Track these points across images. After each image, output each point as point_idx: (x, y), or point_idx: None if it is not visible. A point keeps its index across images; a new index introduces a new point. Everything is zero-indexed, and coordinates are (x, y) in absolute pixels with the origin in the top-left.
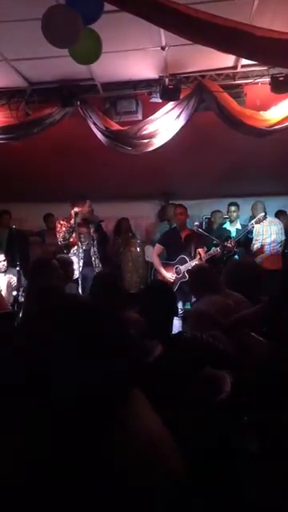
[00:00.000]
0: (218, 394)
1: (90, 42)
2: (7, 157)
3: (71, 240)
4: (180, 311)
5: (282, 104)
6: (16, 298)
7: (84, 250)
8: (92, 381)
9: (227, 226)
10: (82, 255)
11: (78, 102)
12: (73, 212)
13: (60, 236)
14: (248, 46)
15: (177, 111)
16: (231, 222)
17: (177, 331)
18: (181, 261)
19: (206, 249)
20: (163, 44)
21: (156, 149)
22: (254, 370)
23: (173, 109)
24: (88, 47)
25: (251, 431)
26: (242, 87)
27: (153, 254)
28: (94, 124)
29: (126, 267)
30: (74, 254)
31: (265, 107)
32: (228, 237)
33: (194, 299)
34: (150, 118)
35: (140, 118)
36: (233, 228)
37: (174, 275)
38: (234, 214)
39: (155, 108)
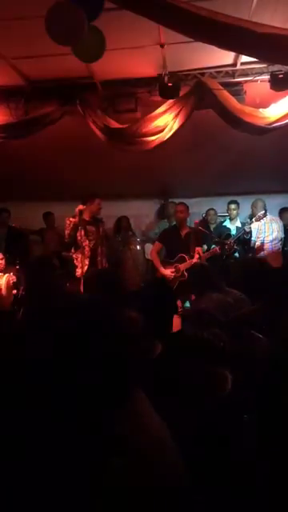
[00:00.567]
0: (218, 393)
1: (94, 39)
2: (6, 155)
3: (78, 238)
4: (180, 309)
5: (282, 101)
6: (16, 296)
7: (91, 249)
8: (92, 380)
9: (227, 223)
10: (87, 254)
11: (78, 101)
12: (77, 209)
13: (66, 233)
14: (249, 43)
15: (176, 109)
16: (231, 219)
17: (177, 329)
18: (180, 259)
19: (205, 247)
20: (162, 42)
21: (155, 147)
22: (254, 369)
23: (172, 107)
24: (92, 45)
25: (251, 430)
26: (242, 85)
27: (152, 251)
28: (93, 122)
29: (125, 265)
30: (81, 252)
31: (264, 105)
32: (228, 235)
33: (193, 297)
34: (149, 116)
35: (139, 116)
36: (233, 226)
37: (173, 273)
38: (234, 211)
39: (154, 106)
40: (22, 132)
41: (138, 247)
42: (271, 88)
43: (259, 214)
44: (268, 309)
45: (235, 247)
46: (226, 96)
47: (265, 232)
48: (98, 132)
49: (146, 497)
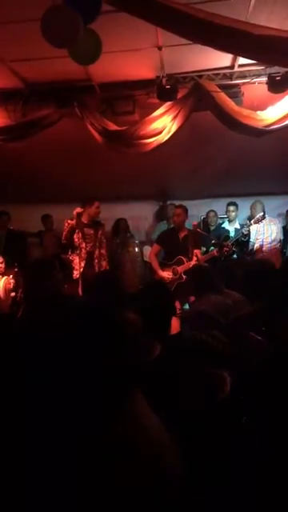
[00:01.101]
0: (217, 394)
1: (90, 42)
2: (5, 158)
3: (75, 240)
4: (178, 311)
5: (279, 104)
6: (14, 299)
7: (88, 252)
8: (92, 381)
9: (226, 225)
10: (84, 256)
11: (75, 103)
12: (75, 212)
13: (63, 235)
14: (246, 45)
15: (174, 111)
16: (230, 221)
17: (176, 331)
18: (178, 261)
19: (204, 249)
20: (160, 44)
21: (153, 149)
22: (253, 370)
23: (170, 109)
24: (88, 48)
25: (251, 431)
26: (239, 87)
27: (150, 253)
28: (91, 124)
29: (124, 268)
30: (77, 254)
31: (262, 107)
32: (227, 237)
33: (192, 299)
34: (147, 118)
35: (137, 118)
36: (231, 227)
37: (171, 275)
38: (233, 213)
39: (152, 108)
40: (19, 134)
41: (137, 249)
42: (269, 90)
43: (258, 215)
44: (267, 310)
45: (234, 249)
46: (224, 98)
47: (264, 234)
48: (96, 134)
49: (145, 498)
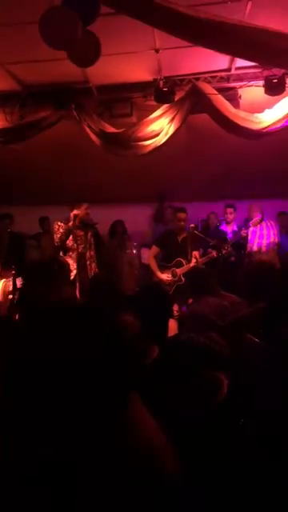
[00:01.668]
0: (214, 397)
1: (90, 44)
2: (3, 160)
3: (68, 242)
4: (176, 313)
5: (276, 106)
6: (12, 301)
7: (79, 253)
8: (90, 383)
9: (224, 227)
10: (76, 258)
11: (73, 105)
12: (72, 214)
13: (57, 237)
14: (245, 45)
15: (171, 114)
16: (227, 223)
17: (173, 333)
18: (177, 264)
19: (202, 251)
20: (157, 46)
21: (151, 151)
22: (250, 372)
23: (167, 111)
24: (87, 49)
25: (248, 433)
26: (236, 89)
27: (149, 255)
28: (89, 127)
29: (121, 270)
30: (70, 256)
31: (259, 109)
32: (224, 239)
33: (190, 301)
34: (145, 120)
35: (135, 120)
36: (229, 230)
37: (170, 277)
38: (231, 215)
39: (150, 110)
40: (17, 137)
41: (134, 251)
42: (265, 93)
43: (256, 218)
44: (266, 312)
45: (232, 251)
46: (221, 101)
47: (261, 236)
48: (93, 136)
49: (143, 499)
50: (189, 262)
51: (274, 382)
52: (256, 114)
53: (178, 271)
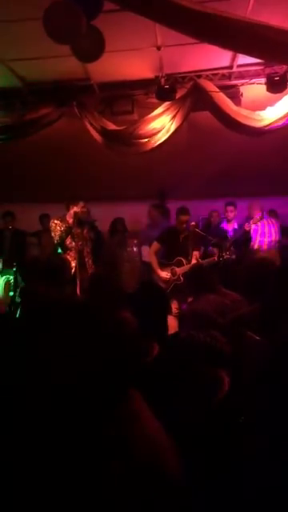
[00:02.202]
0: (215, 394)
1: (94, 38)
2: (4, 157)
3: (66, 240)
4: (176, 311)
5: (278, 104)
6: (12, 298)
7: (77, 251)
8: (90, 381)
9: (224, 225)
10: (75, 255)
11: (74, 102)
12: (72, 211)
13: (57, 235)
14: (248, 40)
15: (173, 111)
16: (228, 221)
17: (174, 331)
18: (177, 263)
19: (203, 249)
20: (159, 44)
21: (152, 149)
22: (251, 370)
23: (169, 109)
24: (91, 44)
25: (249, 431)
26: (238, 87)
27: (150, 251)
28: (90, 124)
29: (122, 267)
30: (69, 254)
31: (260, 107)
32: (225, 237)
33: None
34: (146, 117)
35: (136, 117)
36: (230, 227)
37: (169, 275)
38: (232, 213)
39: (151, 108)
40: (18, 134)
41: (135, 249)
42: (267, 90)
43: (257, 216)
44: (267, 309)
45: (232, 249)
46: (223, 98)
47: (262, 234)
48: (94, 134)
49: (144, 498)
50: (189, 261)
51: (275, 379)
52: (258, 112)
53: (178, 270)
